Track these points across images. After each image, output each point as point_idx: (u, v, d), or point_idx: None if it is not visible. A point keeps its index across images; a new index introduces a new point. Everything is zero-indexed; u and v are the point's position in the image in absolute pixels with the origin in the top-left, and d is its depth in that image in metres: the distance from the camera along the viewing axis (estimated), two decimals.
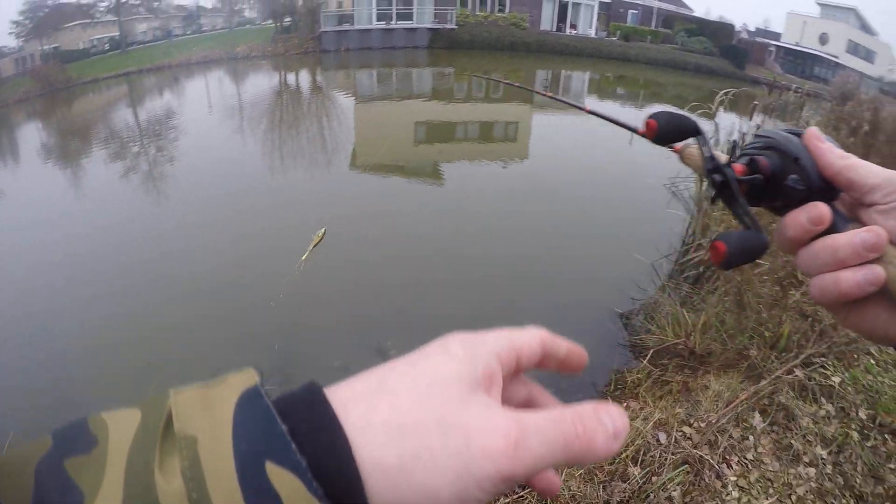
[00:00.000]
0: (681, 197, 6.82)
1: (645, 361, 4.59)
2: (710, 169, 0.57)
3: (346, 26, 27.15)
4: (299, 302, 6.34)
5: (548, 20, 36.03)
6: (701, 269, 5.68)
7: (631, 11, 42.48)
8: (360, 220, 8.56)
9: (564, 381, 4.79)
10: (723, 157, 0.57)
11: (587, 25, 37.78)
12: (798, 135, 0.55)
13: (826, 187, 0.53)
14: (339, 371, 5.12)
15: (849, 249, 0.49)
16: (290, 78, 24.64)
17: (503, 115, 16.28)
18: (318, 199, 9.96)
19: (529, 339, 0.42)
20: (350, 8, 27.75)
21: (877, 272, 0.48)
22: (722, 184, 0.55)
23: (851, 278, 0.49)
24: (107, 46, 33.37)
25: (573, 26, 37.19)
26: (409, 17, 27.70)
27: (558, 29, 36.53)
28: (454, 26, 28.27)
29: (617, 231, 7.68)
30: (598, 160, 11.33)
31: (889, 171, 0.52)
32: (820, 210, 0.51)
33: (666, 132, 0.60)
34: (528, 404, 0.44)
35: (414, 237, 7.86)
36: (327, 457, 0.30)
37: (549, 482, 0.44)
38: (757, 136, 0.57)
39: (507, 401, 0.40)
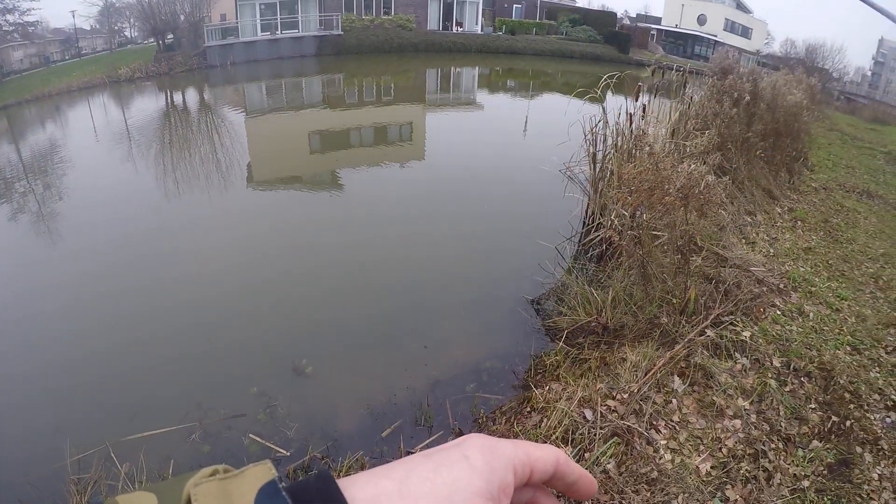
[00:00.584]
0: (577, 180, 7.07)
1: (561, 343, 4.77)
2: None
3: (230, 39, 26.56)
4: (210, 326, 6.37)
5: (434, 20, 36.50)
6: (604, 248, 5.97)
7: (515, 6, 43.72)
8: (264, 238, 8.59)
9: (486, 374, 4.93)
10: None
11: (473, 22, 38.55)
12: None
13: None
14: (256, 397, 5.08)
15: None
16: (177, 97, 23.88)
17: (397, 118, 16.51)
18: (218, 221, 9.94)
19: (545, 456, 0.45)
20: (234, 20, 27.15)
21: None
22: None
23: None
24: None
25: (459, 24, 37.83)
26: (294, 25, 27.35)
27: (445, 28, 37.07)
28: (340, 32, 28.12)
29: (519, 221, 8.07)
30: (494, 153, 11.74)
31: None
32: None
33: None
34: None
35: (320, 248, 7.97)
36: None
37: None
38: None
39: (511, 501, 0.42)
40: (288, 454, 4.22)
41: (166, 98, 24.27)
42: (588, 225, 6.46)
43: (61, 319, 7.20)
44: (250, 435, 4.55)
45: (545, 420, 3.62)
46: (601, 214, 6.18)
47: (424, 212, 8.82)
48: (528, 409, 3.94)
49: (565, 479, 0.47)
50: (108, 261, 8.77)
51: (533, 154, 10.87)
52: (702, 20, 49.35)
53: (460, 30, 37.43)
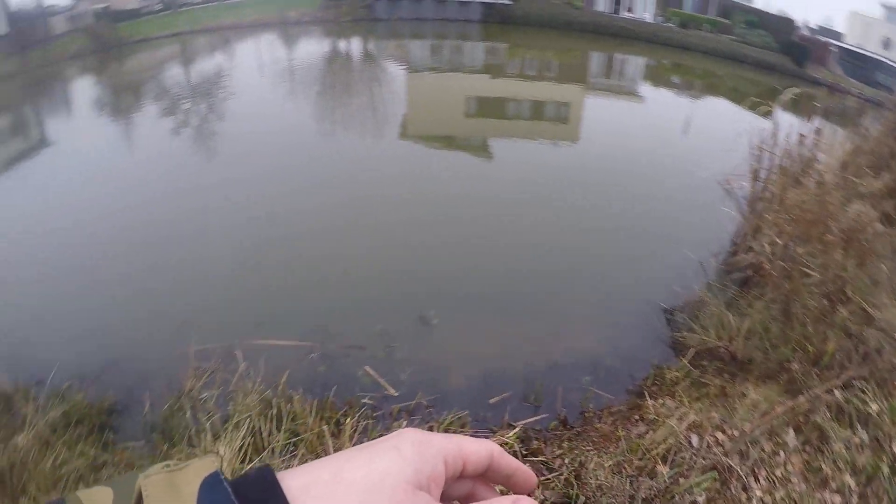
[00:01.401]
0: (734, 195, 6.66)
1: (685, 360, 4.52)
2: None
3: None
4: (349, 259, 6.63)
5: (603, 1, 35.34)
6: (749, 273, 5.52)
7: None
8: (411, 188, 8.59)
9: (604, 370, 4.78)
10: None
11: (643, 9, 36.86)
12: None
13: None
14: (379, 335, 5.26)
15: None
16: (342, 45, 24.59)
17: (556, 95, 15.97)
18: (367, 165, 9.99)
19: (478, 449, 0.45)
20: None
21: None
22: None
23: None
24: (158, 7, 33.62)
25: (629, 9, 36.36)
26: None
27: (614, 11, 35.71)
28: (508, 2, 27.83)
29: (666, 224, 7.42)
30: (650, 149, 11.02)
31: None
32: None
33: None
34: (468, 498, 0.46)
35: (463, 208, 7.81)
36: None
37: None
38: None
39: (447, 496, 0.44)
40: (396, 394, 4.36)
41: (331, 44, 24.99)
42: (737, 245, 6.03)
43: (208, 233, 7.60)
44: (366, 368, 4.75)
45: (651, 432, 3.53)
46: (753, 237, 5.79)
47: (570, 195, 8.33)
48: (637, 417, 3.89)
49: (501, 473, 0.47)
50: (259, 185, 9.19)
51: (690, 158, 10.09)
52: (887, 44, 44.63)
53: (629, 15, 35.95)
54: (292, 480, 0.36)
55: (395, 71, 18.63)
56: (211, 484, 0.34)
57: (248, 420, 3.96)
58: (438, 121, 12.96)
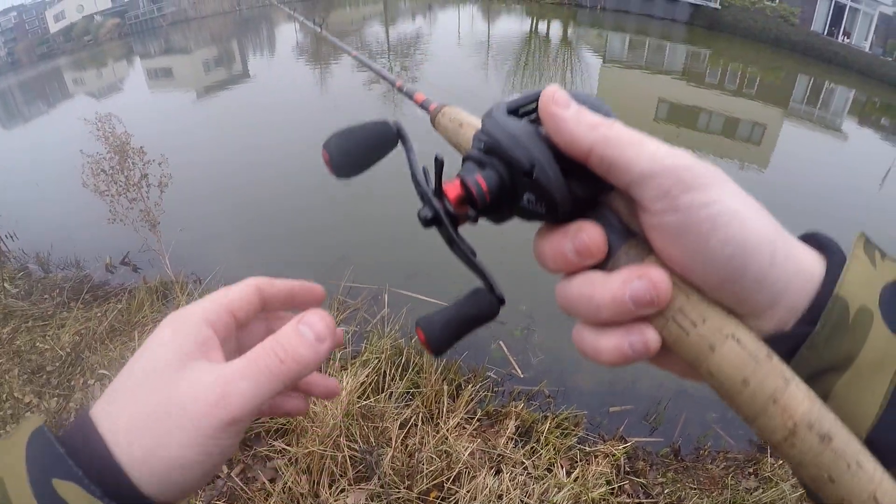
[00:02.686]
0: None
1: None
2: (420, 195, 0.43)
3: None
4: (505, 234, 6.68)
5: (820, 21, 32.53)
6: None
7: None
8: None
9: (732, 413, 4.56)
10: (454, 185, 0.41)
11: (862, 37, 33.67)
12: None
13: (586, 196, 0.38)
14: (522, 314, 5.28)
15: (613, 307, 0.36)
16: (542, 26, 24.56)
17: (751, 114, 15.09)
18: None
19: (241, 292, 0.46)
20: None
21: (647, 337, 0.36)
22: (432, 219, 0.41)
23: (614, 348, 0.37)
24: None
25: (846, 34, 33.31)
26: None
27: (829, 33, 32.91)
28: (717, 6, 26.45)
29: None
30: (842, 193, 10.21)
31: (671, 152, 0.36)
32: (589, 236, 0.37)
33: (346, 161, 0.49)
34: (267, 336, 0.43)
35: None
36: (98, 465, 0.36)
37: (298, 402, 0.52)
38: (479, 131, 0.40)
39: (244, 346, 0.45)
40: (522, 376, 4.37)
41: (531, 24, 25.04)
42: None
43: (385, 181, 7.98)
44: (500, 342, 4.77)
45: (761, 490, 3.32)
46: None
47: None
48: (752, 470, 3.66)
49: (279, 299, 0.48)
50: (437, 142, 9.46)
51: (883, 212, 9.23)
52: None
53: (846, 41, 33.01)
54: (99, 406, 0.39)
55: (591, 60, 18.36)
56: (37, 437, 0.37)
57: (375, 361, 4.11)
58: (626, 118, 12.40)
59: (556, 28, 24.44)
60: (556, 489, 2.95)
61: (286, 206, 7.89)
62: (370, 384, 3.85)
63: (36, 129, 19.31)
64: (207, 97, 17.98)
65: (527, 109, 0.39)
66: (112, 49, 36.18)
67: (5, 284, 6.26)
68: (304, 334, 0.41)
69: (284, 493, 3.03)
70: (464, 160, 0.41)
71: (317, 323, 0.42)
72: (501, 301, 0.43)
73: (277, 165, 9.41)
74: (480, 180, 0.38)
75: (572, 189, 0.36)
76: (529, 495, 2.92)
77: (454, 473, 3.16)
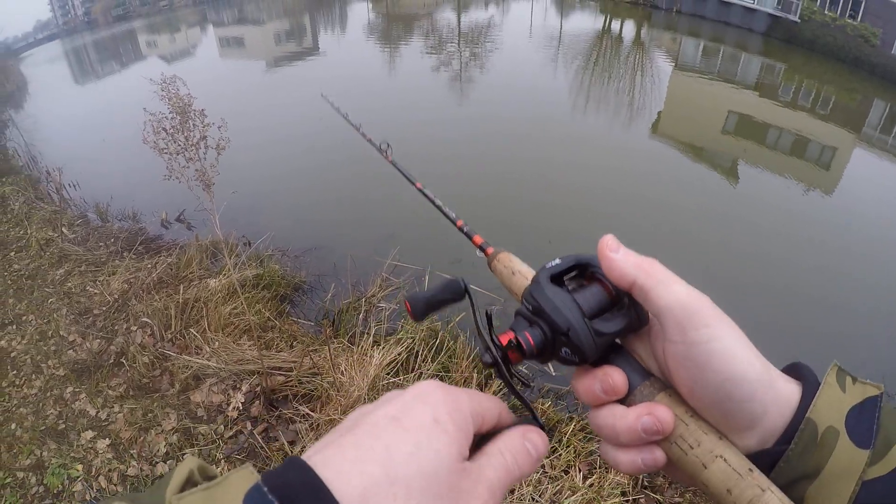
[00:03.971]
0: None
1: None
2: (482, 342, 0.52)
3: None
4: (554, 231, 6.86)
5: None
6: None
7: None
8: (644, 185, 8.60)
9: None
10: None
11: None
12: (586, 266, 0.52)
13: (612, 349, 0.50)
14: None
15: (629, 436, 0.46)
16: (615, 25, 24.27)
17: (822, 136, 14.68)
18: (608, 150, 10.17)
19: (492, 407, 0.46)
20: None
21: (656, 456, 0.46)
22: (491, 364, 0.50)
23: (630, 462, 0.47)
24: None
25: None
26: None
27: None
28: (797, 20, 25.59)
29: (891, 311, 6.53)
30: None
31: (693, 292, 0.46)
32: (613, 380, 0.48)
33: (423, 312, 0.56)
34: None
35: (690, 231, 7.53)
36: None
37: None
38: (528, 293, 0.51)
39: None
40: (553, 375, 4.36)
41: (604, 22, 24.74)
42: None
43: (443, 164, 8.35)
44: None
45: None
46: None
47: (801, 252, 7.48)
48: None
49: (502, 427, 0.46)
50: (500, 135, 9.92)
51: None
52: None
53: None
54: (344, 485, 0.34)
55: (662, 64, 18.07)
56: (255, 498, 0.32)
57: (409, 340, 4.17)
58: (693, 128, 12.57)
59: (629, 28, 24.15)
60: (569, 492, 2.97)
61: (339, 179, 8.10)
62: (401, 362, 3.95)
63: (107, 88, 19.96)
64: (277, 68, 18.32)
65: (562, 272, 0.51)
66: (186, 15, 36.93)
67: (63, 229, 6.57)
68: (531, 453, 0.44)
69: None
70: (516, 314, 0.52)
71: (540, 444, 0.45)
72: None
73: (335, 139, 9.59)
74: (529, 337, 0.49)
75: (599, 330, 0.47)
76: (542, 494, 2.95)
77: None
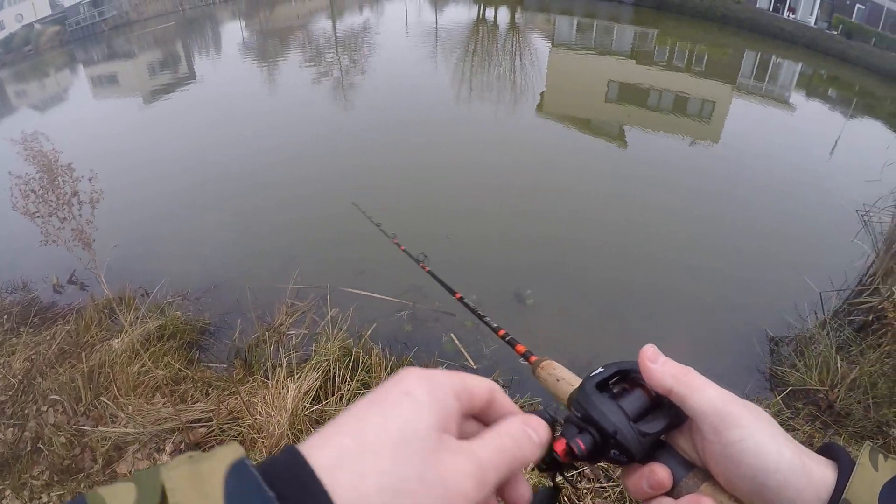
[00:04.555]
0: (870, 230, 6.05)
1: (778, 397, 4.19)
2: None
3: None
4: (460, 223, 6.86)
5: None
6: (869, 318, 4.94)
7: (858, 6, 38.03)
8: (536, 165, 8.57)
9: None
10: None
11: (808, 12, 34.25)
12: (627, 373, 0.55)
13: (656, 446, 0.53)
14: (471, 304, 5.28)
15: None
16: (489, 13, 24.54)
17: (701, 91, 15.20)
18: (497, 136, 10.05)
19: (480, 385, 0.47)
20: None
21: None
22: (546, 468, 0.53)
23: None
24: None
25: (792, 9, 33.74)
26: None
27: (775, 9, 33.42)
28: None
29: (791, 247, 6.81)
30: (791, 163, 10.29)
31: (724, 395, 0.51)
32: (658, 477, 0.51)
33: None
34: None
35: (586, 194, 7.67)
36: None
37: (519, 494, 0.48)
38: (576, 402, 0.54)
39: (462, 434, 0.43)
40: (475, 367, 4.38)
41: (478, 11, 24.99)
42: (864, 285, 5.32)
43: (330, 177, 8.14)
44: (451, 335, 4.79)
45: None
46: (883, 280, 5.09)
47: (696, 198, 7.89)
48: None
49: (500, 412, 0.48)
50: (388, 137, 9.73)
51: (831, 180, 9.27)
52: None
53: (791, 16, 33.49)
54: (319, 455, 0.35)
55: (539, 45, 18.37)
56: (237, 471, 0.33)
57: (325, 364, 4.10)
58: (577, 101, 12.71)
59: (503, 14, 24.47)
60: None
61: (229, 208, 7.69)
62: (320, 389, 3.83)
63: None
64: (154, 101, 17.57)
65: (606, 380, 0.55)
66: (54, 58, 35.15)
67: None
68: (532, 437, 0.46)
69: None
70: (565, 421, 0.53)
71: (541, 430, 0.47)
72: None
73: (221, 169, 9.17)
74: (580, 443, 0.50)
75: (643, 431, 0.51)
76: None
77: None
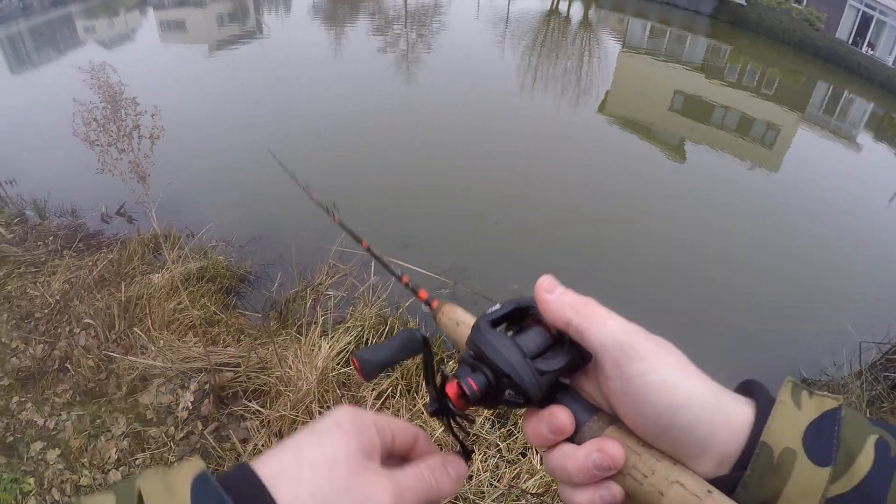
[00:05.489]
0: None
1: None
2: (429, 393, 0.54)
3: None
4: (502, 209, 6.85)
5: (846, 29, 31.98)
6: None
7: None
8: (594, 168, 8.46)
9: None
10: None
11: (887, 51, 33.20)
12: (526, 310, 0.52)
13: (555, 387, 0.50)
14: (512, 293, 5.20)
15: (581, 474, 0.46)
16: (563, 5, 24.28)
17: (767, 115, 14.85)
18: (558, 129, 10.02)
19: (405, 427, 0.51)
20: None
21: (613, 492, 0.45)
22: (433, 412, 0.54)
23: (588, 502, 0.46)
24: None
25: (871, 45, 32.80)
26: None
27: (854, 43, 32.45)
28: (743, 2, 25.96)
29: (839, 290, 6.60)
30: (850, 205, 10.02)
31: (627, 326, 0.47)
32: (559, 420, 0.48)
33: (374, 369, 0.54)
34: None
35: (635, 209, 7.45)
36: None
37: None
38: (470, 341, 0.52)
39: (388, 467, 0.47)
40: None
41: (552, 2, 24.71)
42: None
43: (388, 149, 8.29)
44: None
45: None
46: None
47: (747, 222, 7.68)
48: None
49: (424, 454, 0.52)
50: (447, 118, 9.75)
51: (886, 237, 8.98)
52: None
53: (870, 52, 32.53)
54: (264, 468, 0.41)
55: (610, 45, 18.16)
56: (201, 481, 0.39)
57: (359, 329, 4.15)
58: (640, 106, 12.53)
59: (576, 9, 24.19)
60: (528, 475, 2.94)
61: (284, 164, 7.80)
62: (351, 352, 3.81)
63: (43, 76, 19.13)
64: (219, 52, 17.79)
65: (503, 317, 0.52)
66: None
67: (1, 230, 6.26)
68: (450, 473, 0.50)
69: (254, 454, 2.98)
70: (459, 361, 0.52)
71: (458, 466, 0.51)
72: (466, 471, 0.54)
73: (280, 124, 9.29)
74: (472, 382, 0.49)
75: (540, 369, 0.47)
76: (500, 479, 2.93)
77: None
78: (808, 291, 6.36)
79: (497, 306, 0.52)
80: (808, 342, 5.41)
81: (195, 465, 0.40)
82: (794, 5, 29.23)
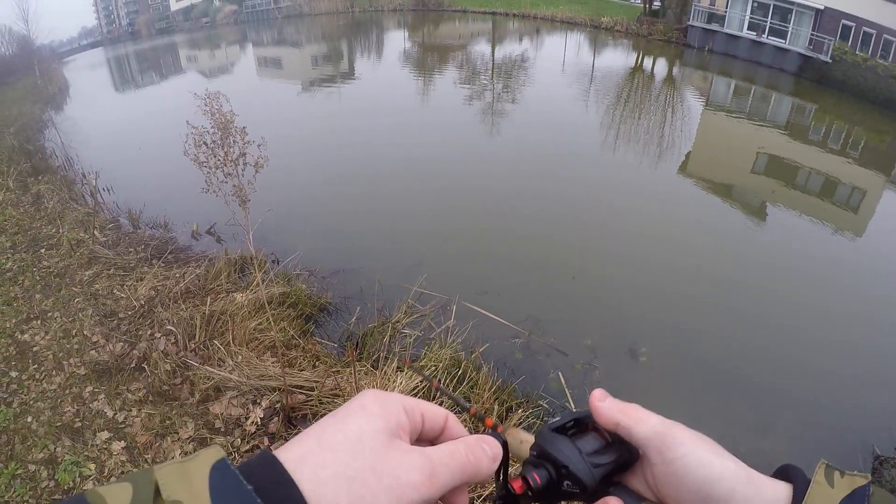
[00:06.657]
0: None
1: None
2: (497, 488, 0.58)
3: (714, 26, 25.43)
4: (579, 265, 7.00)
5: None
6: None
7: None
8: (673, 227, 8.56)
9: None
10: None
11: None
12: (582, 420, 0.59)
13: (608, 484, 0.56)
14: (586, 348, 5.34)
15: None
16: (647, 62, 24.42)
17: (852, 178, 14.46)
18: (638, 188, 10.14)
19: (435, 409, 0.53)
20: (723, 8, 26.09)
21: None
22: (502, 499, 0.57)
23: None
24: None
25: None
26: (782, 34, 25.08)
27: None
28: (828, 59, 25.33)
29: None
30: None
31: (667, 421, 0.55)
32: None
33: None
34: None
35: (714, 272, 7.41)
36: None
37: (459, 501, 0.53)
38: (534, 444, 0.59)
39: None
40: (574, 410, 4.42)
41: (637, 59, 24.89)
42: None
43: (472, 196, 8.59)
44: (559, 373, 4.83)
45: None
46: None
47: (829, 289, 7.52)
48: None
49: (456, 436, 0.53)
50: (533, 171, 10.15)
51: None
52: None
53: None
54: (287, 454, 0.42)
55: (693, 103, 18.03)
56: (220, 469, 0.38)
57: (433, 368, 4.21)
58: (722, 167, 12.47)
59: (661, 66, 24.24)
60: None
61: (372, 204, 8.20)
62: (423, 390, 3.96)
63: (146, 98, 20.44)
64: (312, 90, 18.61)
65: (563, 426, 0.59)
66: (227, 33, 37.96)
67: (95, 232, 6.76)
68: (487, 451, 0.51)
69: None
70: (524, 463, 0.59)
71: (494, 445, 0.52)
72: None
73: (369, 165, 9.78)
74: (536, 476, 0.55)
75: (595, 462, 0.55)
76: None
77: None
78: (889, 364, 6.14)
79: (558, 418, 0.60)
80: (887, 417, 5.20)
81: (215, 453, 0.40)
82: (880, 62, 28.17)
